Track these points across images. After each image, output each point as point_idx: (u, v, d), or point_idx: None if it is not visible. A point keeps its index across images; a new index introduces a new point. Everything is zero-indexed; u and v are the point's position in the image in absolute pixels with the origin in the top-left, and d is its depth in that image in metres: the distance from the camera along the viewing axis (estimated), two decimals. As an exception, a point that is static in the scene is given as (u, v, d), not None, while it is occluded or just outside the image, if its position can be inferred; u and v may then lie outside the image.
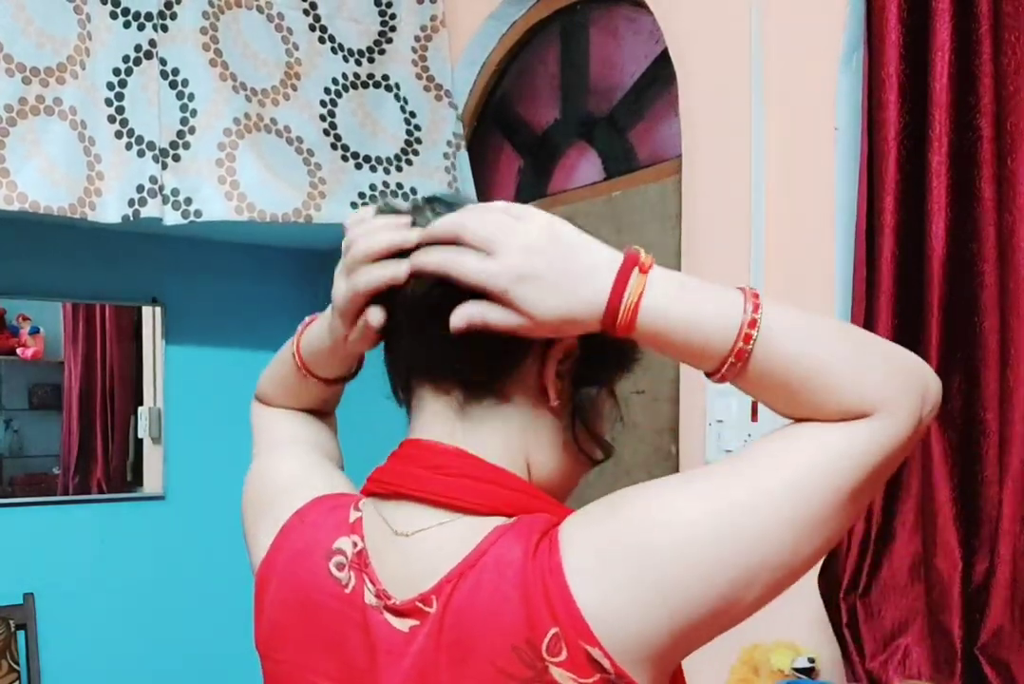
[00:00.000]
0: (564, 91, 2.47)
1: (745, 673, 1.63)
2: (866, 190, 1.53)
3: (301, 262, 3.20)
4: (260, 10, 2.39)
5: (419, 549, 0.72)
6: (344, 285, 0.77)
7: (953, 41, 1.41)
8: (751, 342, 0.66)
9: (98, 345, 2.97)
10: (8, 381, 2.93)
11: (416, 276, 0.71)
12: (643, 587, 0.65)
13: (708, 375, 0.70)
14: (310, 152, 2.40)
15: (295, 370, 0.90)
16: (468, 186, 2.64)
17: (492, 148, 2.70)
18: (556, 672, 0.65)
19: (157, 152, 2.19)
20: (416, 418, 0.77)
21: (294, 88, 2.41)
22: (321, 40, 2.48)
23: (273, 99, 2.37)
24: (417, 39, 2.62)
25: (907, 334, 1.47)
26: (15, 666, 2.54)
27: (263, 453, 0.93)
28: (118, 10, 2.17)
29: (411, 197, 2.56)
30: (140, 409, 2.96)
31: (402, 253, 0.72)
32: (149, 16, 2.21)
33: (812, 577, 1.55)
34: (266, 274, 3.15)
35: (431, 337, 0.72)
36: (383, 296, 0.74)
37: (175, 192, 2.21)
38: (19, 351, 2.88)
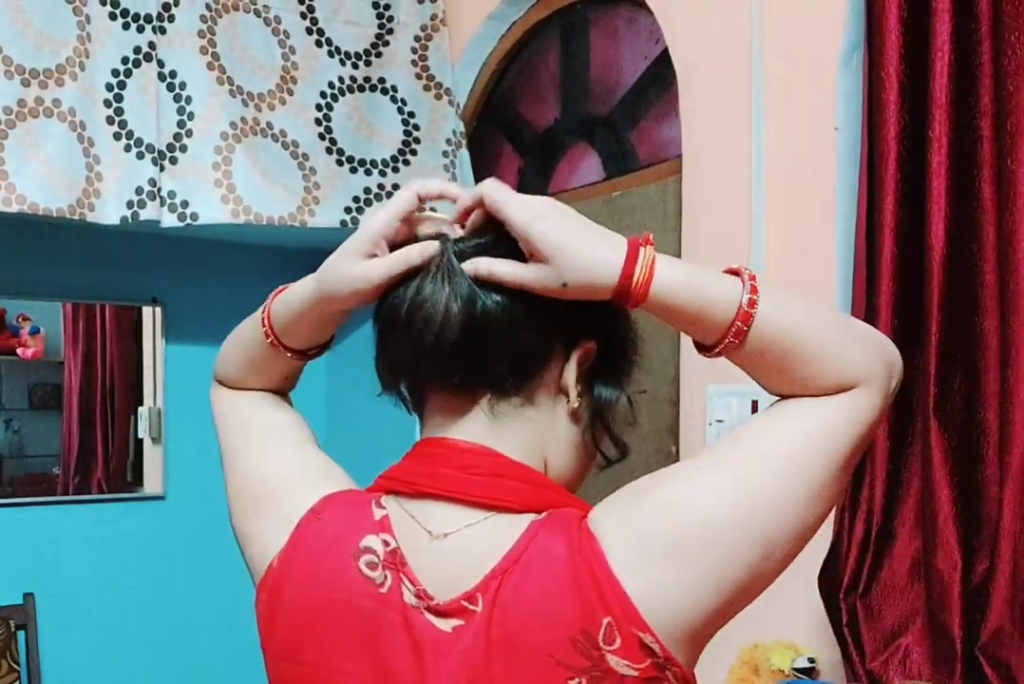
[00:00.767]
0: (564, 91, 2.46)
1: (745, 673, 1.63)
2: (866, 190, 1.53)
3: (301, 262, 3.19)
4: (257, 13, 2.39)
5: (457, 549, 0.73)
6: (385, 212, 0.77)
7: (953, 41, 1.41)
8: (749, 320, 0.70)
9: (98, 345, 2.97)
10: (8, 381, 2.93)
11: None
12: (683, 570, 0.68)
13: (706, 349, 0.74)
14: (305, 156, 2.40)
15: (262, 342, 0.87)
16: (469, 185, 2.63)
17: (492, 148, 2.70)
18: (612, 660, 0.67)
19: (156, 155, 2.20)
20: (431, 418, 0.78)
21: (290, 92, 2.41)
22: (318, 43, 2.48)
23: (269, 103, 2.37)
24: (417, 39, 2.62)
25: (907, 334, 1.47)
26: (15, 666, 2.55)
27: (245, 445, 0.89)
28: (117, 11, 2.17)
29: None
30: (140, 409, 2.97)
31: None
32: (148, 18, 2.21)
33: (812, 577, 1.56)
34: (266, 274, 3.13)
35: (467, 339, 0.72)
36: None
37: (172, 195, 2.22)
38: (19, 351, 2.88)
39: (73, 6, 2.11)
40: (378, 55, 2.57)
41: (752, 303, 0.70)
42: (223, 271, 3.06)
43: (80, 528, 2.81)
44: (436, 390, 0.77)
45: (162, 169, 2.21)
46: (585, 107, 2.39)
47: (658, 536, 0.68)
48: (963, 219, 1.41)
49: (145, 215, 2.18)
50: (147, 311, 2.96)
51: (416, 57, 2.61)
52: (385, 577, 0.73)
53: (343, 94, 2.50)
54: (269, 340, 0.87)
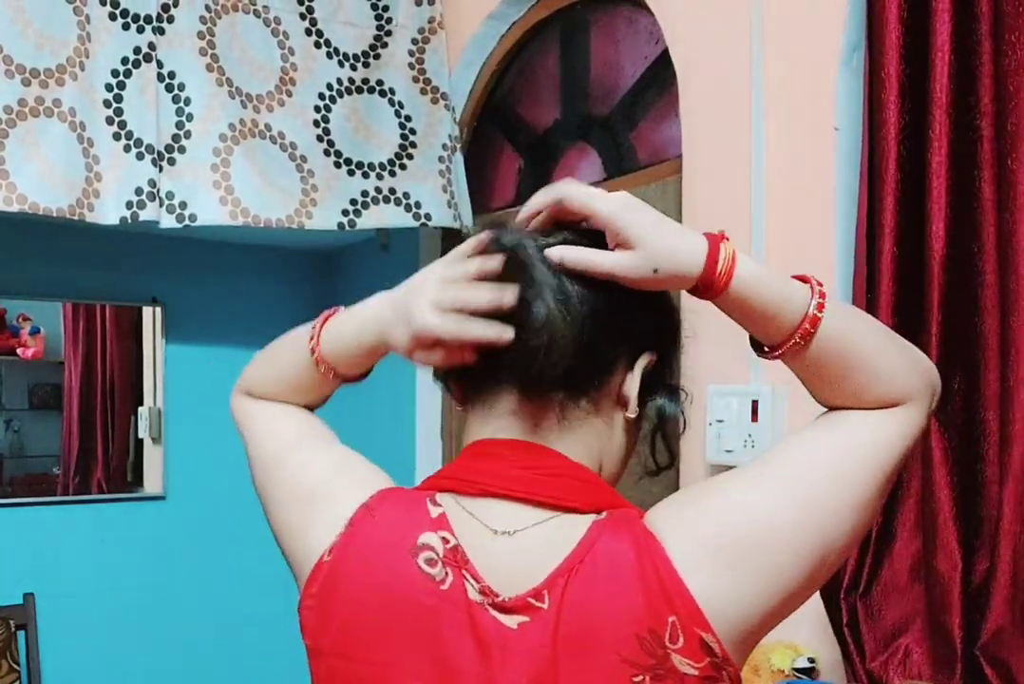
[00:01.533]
0: (564, 91, 2.47)
1: (745, 673, 1.63)
2: (866, 190, 1.53)
3: (300, 262, 3.21)
4: (257, 14, 2.39)
5: (522, 546, 0.74)
6: (434, 321, 0.75)
7: (953, 41, 1.41)
8: (817, 323, 0.73)
9: (98, 345, 2.97)
10: (8, 381, 2.93)
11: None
12: (745, 572, 0.70)
13: (767, 351, 0.76)
14: (303, 158, 2.40)
15: (312, 368, 0.88)
16: (462, 189, 2.64)
17: (492, 148, 2.70)
18: (676, 659, 0.69)
19: (155, 155, 2.20)
20: (493, 419, 0.79)
21: (288, 94, 2.41)
22: (317, 45, 2.47)
23: (268, 105, 2.37)
24: (414, 41, 2.62)
25: (907, 334, 1.46)
26: (15, 666, 2.54)
27: (289, 452, 0.88)
28: (117, 12, 2.17)
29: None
30: (140, 409, 2.97)
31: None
32: (148, 18, 2.20)
33: (812, 577, 1.55)
34: (265, 274, 3.15)
35: (552, 345, 0.73)
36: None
37: (170, 195, 2.21)
38: (19, 351, 2.88)
39: (73, 6, 2.11)
40: (376, 57, 2.57)
41: (820, 307, 0.73)
42: (223, 271, 3.06)
43: (80, 528, 2.81)
44: (500, 392, 0.78)
45: (161, 170, 2.21)
46: (585, 107, 2.39)
47: (724, 539, 0.71)
48: (963, 219, 1.41)
49: (144, 216, 2.18)
50: (147, 311, 2.96)
51: (413, 60, 2.61)
52: (446, 574, 0.73)
53: (341, 96, 2.50)
54: (321, 368, 0.87)
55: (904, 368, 0.77)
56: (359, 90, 2.53)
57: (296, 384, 0.91)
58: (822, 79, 1.68)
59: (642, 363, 0.79)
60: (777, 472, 0.74)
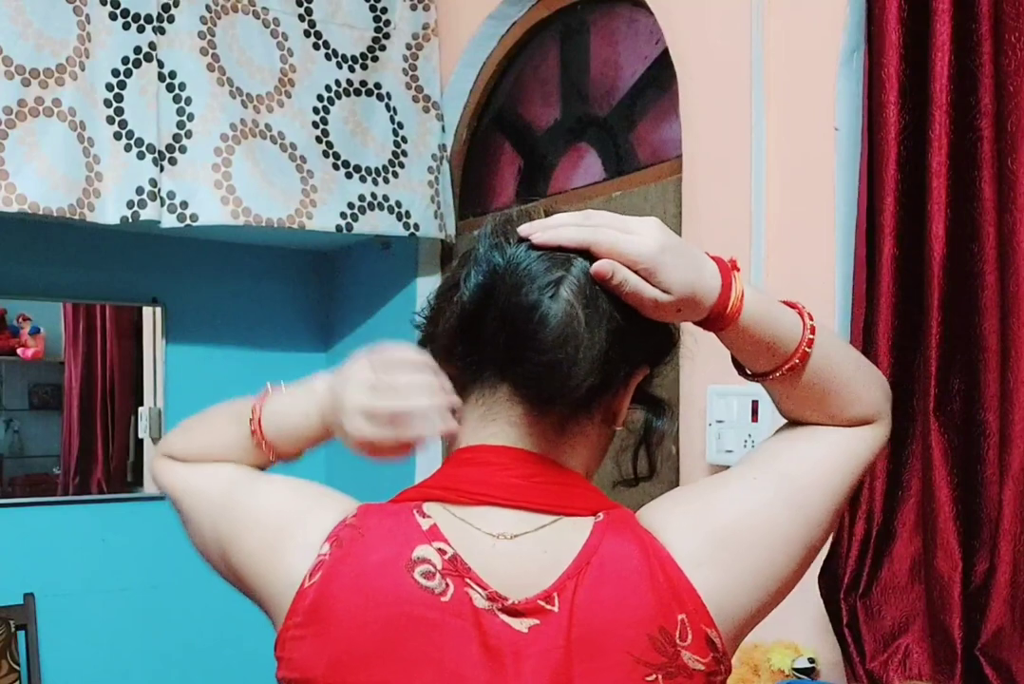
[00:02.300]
0: (564, 91, 2.46)
1: (745, 673, 1.63)
2: (866, 190, 1.53)
3: (300, 262, 3.20)
4: (256, 15, 2.39)
5: (523, 550, 0.74)
6: (365, 429, 0.78)
7: (953, 41, 1.41)
8: (807, 356, 0.77)
9: (98, 345, 2.97)
10: (8, 381, 2.92)
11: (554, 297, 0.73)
12: (743, 569, 0.73)
13: (759, 375, 0.79)
14: (303, 159, 2.41)
15: (253, 445, 0.87)
16: (447, 200, 2.66)
17: (492, 148, 2.70)
18: (685, 656, 0.70)
19: (156, 155, 2.20)
20: (489, 423, 0.78)
21: (288, 95, 2.41)
22: (315, 46, 2.48)
23: (268, 105, 2.38)
24: (408, 47, 2.62)
25: (907, 334, 1.47)
26: (15, 666, 2.54)
27: (242, 496, 0.84)
28: (117, 11, 2.17)
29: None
30: (140, 409, 2.97)
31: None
32: (148, 18, 2.20)
33: (812, 577, 1.55)
34: (265, 274, 3.15)
35: (559, 359, 0.72)
36: (475, 318, 0.75)
37: (171, 195, 2.22)
38: (19, 351, 2.88)
39: (73, 6, 2.11)
40: (374, 59, 2.57)
41: (810, 343, 0.77)
42: (223, 271, 3.06)
43: (80, 528, 2.81)
44: (502, 401, 0.77)
45: (162, 170, 2.21)
46: (585, 107, 2.39)
47: (723, 536, 0.73)
48: (963, 219, 1.41)
49: (145, 215, 2.18)
50: (147, 311, 2.96)
51: (407, 66, 2.62)
52: (446, 585, 0.72)
53: (340, 97, 2.50)
54: (263, 449, 0.87)
55: (875, 388, 0.83)
56: (357, 92, 2.54)
57: (227, 456, 0.89)
58: (822, 79, 1.68)
59: (638, 378, 0.79)
60: (771, 476, 0.78)
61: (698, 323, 0.76)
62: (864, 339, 1.51)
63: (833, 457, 0.80)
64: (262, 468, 0.90)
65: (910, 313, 1.47)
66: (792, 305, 0.79)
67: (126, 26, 2.18)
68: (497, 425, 0.77)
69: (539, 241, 0.74)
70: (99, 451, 2.97)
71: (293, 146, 2.40)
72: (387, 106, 2.58)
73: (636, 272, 0.72)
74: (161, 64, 2.22)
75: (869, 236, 1.53)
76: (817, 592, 1.56)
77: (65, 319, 2.93)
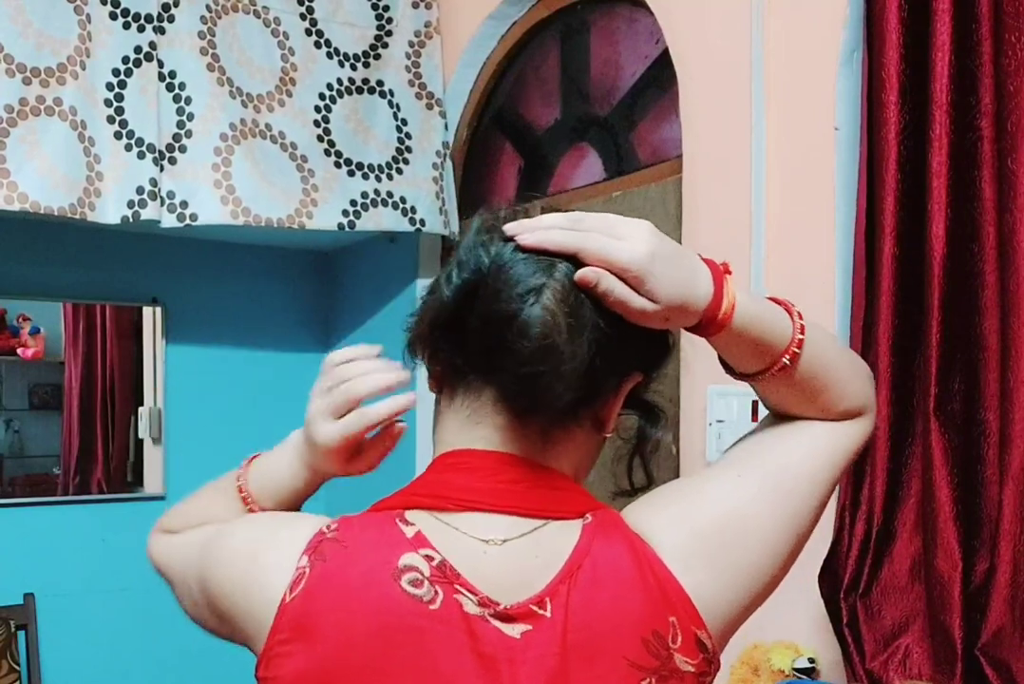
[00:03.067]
0: (564, 91, 2.46)
1: (745, 673, 1.63)
2: (866, 190, 1.53)
3: (300, 262, 3.20)
4: (257, 15, 2.39)
5: (513, 555, 0.72)
6: (334, 428, 0.81)
7: (953, 41, 1.41)
8: (797, 357, 0.76)
9: (98, 345, 2.97)
10: (8, 381, 2.92)
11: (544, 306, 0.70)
12: (731, 570, 0.73)
13: (751, 375, 0.78)
14: (304, 158, 2.41)
15: (243, 509, 0.88)
16: (451, 196, 2.66)
17: (493, 148, 2.70)
18: (677, 658, 0.70)
19: (156, 155, 2.20)
20: (473, 426, 0.76)
21: (289, 94, 2.41)
22: (317, 45, 2.48)
23: (268, 105, 2.38)
24: (411, 45, 2.62)
25: (907, 334, 1.47)
26: (15, 666, 2.54)
27: (218, 528, 0.83)
28: (118, 11, 2.17)
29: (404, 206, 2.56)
30: (140, 409, 2.97)
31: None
32: (149, 18, 2.20)
33: (812, 577, 1.55)
34: (265, 274, 3.15)
35: (540, 371, 0.69)
36: (454, 328, 0.73)
37: (171, 195, 2.22)
38: (19, 351, 2.88)
39: (74, 5, 2.11)
40: (376, 57, 2.57)
41: (800, 344, 0.76)
42: (223, 271, 3.06)
43: (80, 528, 2.81)
44: (488, 406, 0.75)
45: (162, 169, 2.21)
46: (585, 107, 2.39)
47: (710, 537, 0.73)
48: (963, 219, 1.41)
49: (146, 215, 2.18)
50: (147, 311, 2.96)
51: (409, 63, 2.62)
52: (435, 593, 0.70)
53: (341, 96, 2.50)
54: (251, 507, 0.88)
55: (863, 383, 0.82)
56: (359, 90, 2.53)
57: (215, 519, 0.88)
58: (822, 79, 1.68)
59: (629, 385, 0.77)
60: (756, 474, 0.77)
61: (688, 328, 0.74)
62: (864, 339, 1.51)
63: (819, 452, 0.79)
64: None
65: (910, 313, 1.47)
66: (781, 303, 0.78)
67: (126, 26, 2.18)
68: (482, 429, 0.75)
69: (525, 243, 0.71)
70: (99, 451, 2.97)
71: (293, 145, 2.40)
72: (390, 103, 2.58)
73: (624, 280, 0.69)
74: (161, 64, 2.22)
75: (869, 236, 1.53)
76: (817, 592, 1.56)
77: (65, 319, 2.93)
